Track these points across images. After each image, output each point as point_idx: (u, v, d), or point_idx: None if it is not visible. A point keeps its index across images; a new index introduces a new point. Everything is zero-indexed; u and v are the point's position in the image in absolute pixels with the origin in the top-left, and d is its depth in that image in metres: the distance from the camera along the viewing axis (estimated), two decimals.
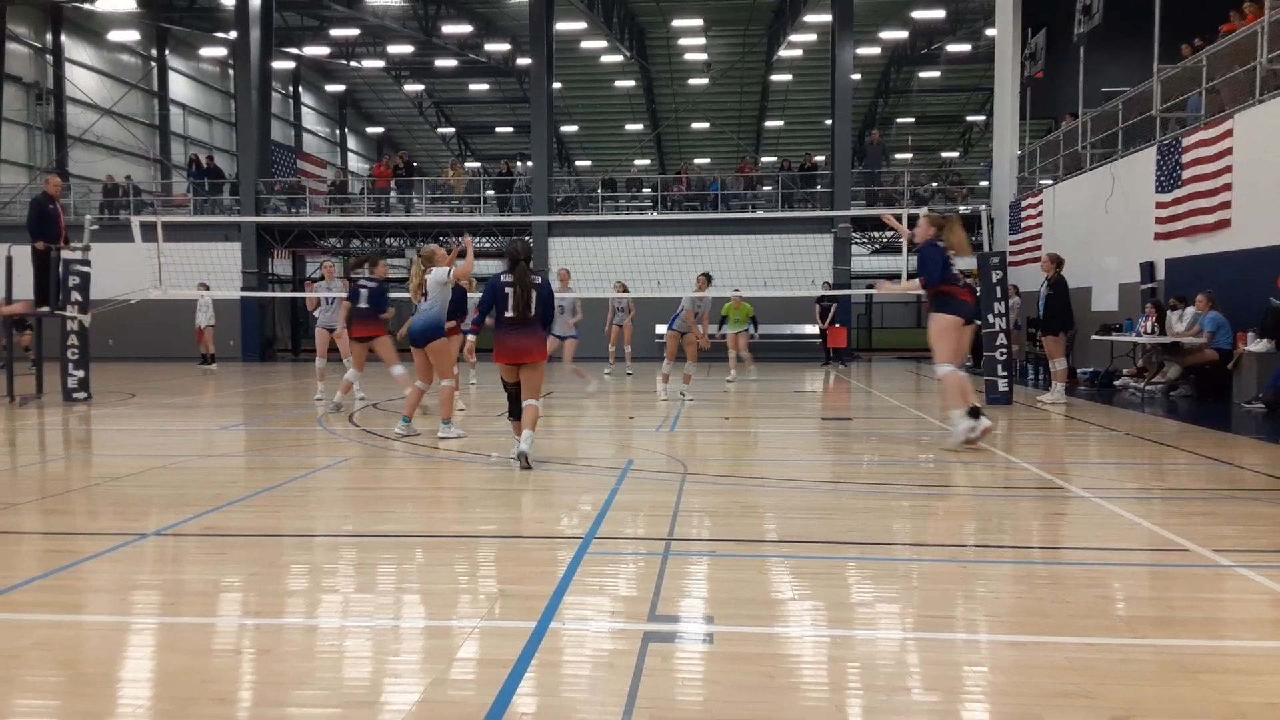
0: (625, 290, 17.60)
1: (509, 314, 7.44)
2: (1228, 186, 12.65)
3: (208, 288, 20.01)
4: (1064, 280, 12.37)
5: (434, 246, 9.68)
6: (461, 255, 9.47)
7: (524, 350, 7.45)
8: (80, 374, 12.98)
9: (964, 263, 9.27)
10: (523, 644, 3.49)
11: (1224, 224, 12.76)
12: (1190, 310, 12.85)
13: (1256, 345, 11.74)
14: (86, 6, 29.44)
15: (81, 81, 31.96)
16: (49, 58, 31.01)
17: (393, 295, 11.65)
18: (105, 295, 15.74)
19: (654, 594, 4.11)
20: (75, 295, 13.03)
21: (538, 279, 7.60)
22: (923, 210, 10.44)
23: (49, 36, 30.95)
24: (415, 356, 9.33)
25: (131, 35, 33.40)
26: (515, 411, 7.69)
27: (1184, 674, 3.22)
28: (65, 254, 13.15)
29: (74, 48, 31.82)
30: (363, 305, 10.97)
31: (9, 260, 12.98)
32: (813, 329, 22.47)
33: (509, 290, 7.46)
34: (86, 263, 13.29)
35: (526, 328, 7.46)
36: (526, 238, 8.15)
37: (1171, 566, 4.69)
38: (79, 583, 4.42)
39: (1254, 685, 3.16)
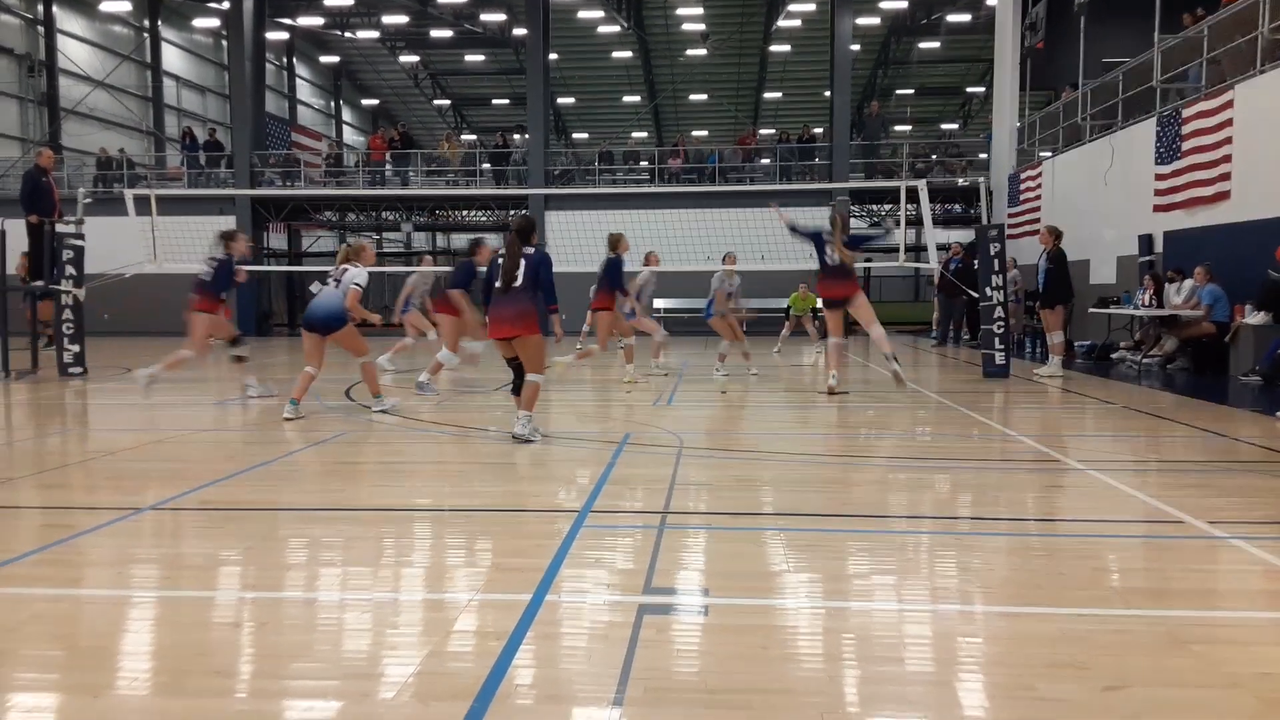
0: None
1: (497, 284, 7.36)
2: (1227, 158, 12.60)
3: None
4: (1063, 253, 12.31)
5: (365, 244, 9.51)
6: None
7: (509, 321, 7.29)
8: (76, 349, 12.96)
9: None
10: (519, 616, 3.50)
11: (1223, 195, 12.72)
12: (1188, 283, 12.85)
13: (1254, 318, 11.74)
14: None
15: (74, 53, 31.67)
16: (40, 29, 30.71)
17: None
18: (100, 269, 15.68)
19: (649, 566, 4.13)
20: (70, 269, 12.98)
21: (530, 249, 7.41)
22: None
23: (40, 7, 30.63)
24: (306, 340, 9.02)
25: (123, 6, 33.03)
26: (517, 385, 7.58)
27: (1177, 645, 3.24)
28: (59, 228, 13.09)
29: (66, 19, 31.50)
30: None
31: (2, 234, 12.91)
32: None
33: (500, 262, 7.43)
34: (80, 236, 13.23)
35: (512, 298, 7.28)
36: (526, 212, 7.97)
37: (1166, 538, 4.71)
38: (77, 556, 4.43)
39: (1247, 656, 3.18)
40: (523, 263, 7.32)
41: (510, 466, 6.63)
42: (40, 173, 13.08)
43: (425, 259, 15.57)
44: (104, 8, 32.51)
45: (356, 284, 8.92)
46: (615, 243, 11.45)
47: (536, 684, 2.98)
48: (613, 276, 11.34)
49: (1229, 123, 12.57)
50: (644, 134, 50.20)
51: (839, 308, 10.40)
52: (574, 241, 19.08)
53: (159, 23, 35.38)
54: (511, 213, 28.13)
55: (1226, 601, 3.81)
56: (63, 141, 30.35)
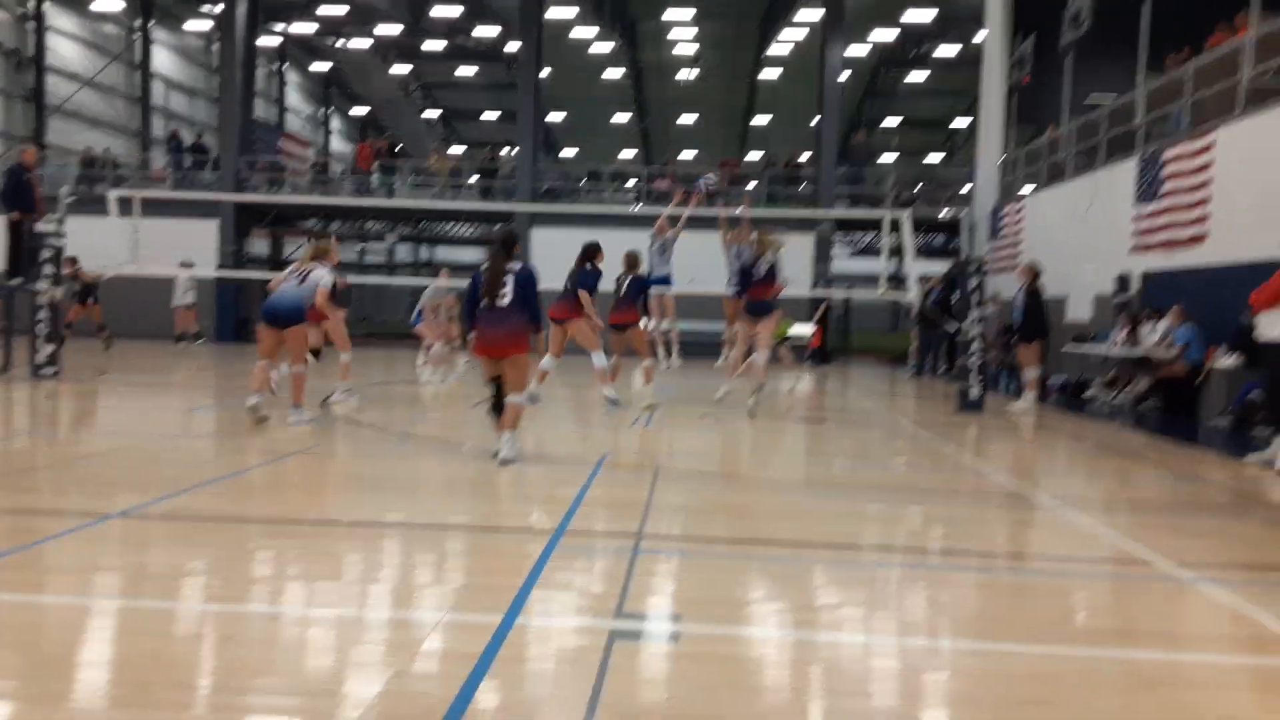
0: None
1: (482, 302, 7.15)
2: (1205, 200, 12.76)
3: (191, 265, 19.71)
4: (1039, 289, 12.47)
5: (333, 244, 9.54)
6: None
7: (496, 342, 7.06)
8: (50, 349, 12.82)
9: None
10: (488, 638, 3.47)
11: (1200, 238, 12.88)
12: (1163, 323, 12.97)
13: (1226, 361, 11.87)
14: None
15: (63, 50, 31.49)
16: (31, 24, 30.53)
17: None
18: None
19: (622, 591, 4.11)
20: (47, 268, 12.86)
21: (517, 265, 7.21)
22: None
23: (31, 2, 30.46)
24: (265, 335, 8.85)
25: (116, 5, 32.89)
26: (497, 407, 7.34)
27: (1144, 686, 3.26)
28: (39, 226, 12.98)
29: (56, 15, 31.31)
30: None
31: None
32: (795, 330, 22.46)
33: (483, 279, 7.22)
34: (61, 235, 13.11)
35: (499, 317, 7.06)
36: (510, 225, 7.68)
37: (1134, 578, 4.74)
38: (40, 562, 4.36)
39: (1212, 699, 3.20)
40: (509, 279, 7.10)
41: (485, 484, 6.60)
42: (23, 169, 12.98)
43: (443, 271, 16.12)
44: (95, 6, 32.36)
45: (326, 284, 8.94)
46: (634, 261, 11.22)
47: (504, 709, 2.96)
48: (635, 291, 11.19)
49: (1209, 165, 12.74)
50: (633, 153, 50.41)
51: (762, 315, 10.56)
52: (559, 260, 19.08)
53: (150, 23, 35.25)
54: (497, 226, 28.16)
55: (1193, 644, 3.83)
56: (48, 139, 30.13)
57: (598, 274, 10.47)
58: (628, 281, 11.00)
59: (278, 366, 9.43)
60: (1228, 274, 12.19)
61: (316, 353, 11.26)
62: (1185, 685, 3.32)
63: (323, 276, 8.99)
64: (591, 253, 10.51)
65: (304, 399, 9.18)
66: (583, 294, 10.06)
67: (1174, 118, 14.42)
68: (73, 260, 17.60)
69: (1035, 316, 12.38)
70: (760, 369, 10.65)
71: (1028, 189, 20.29)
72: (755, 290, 10.73)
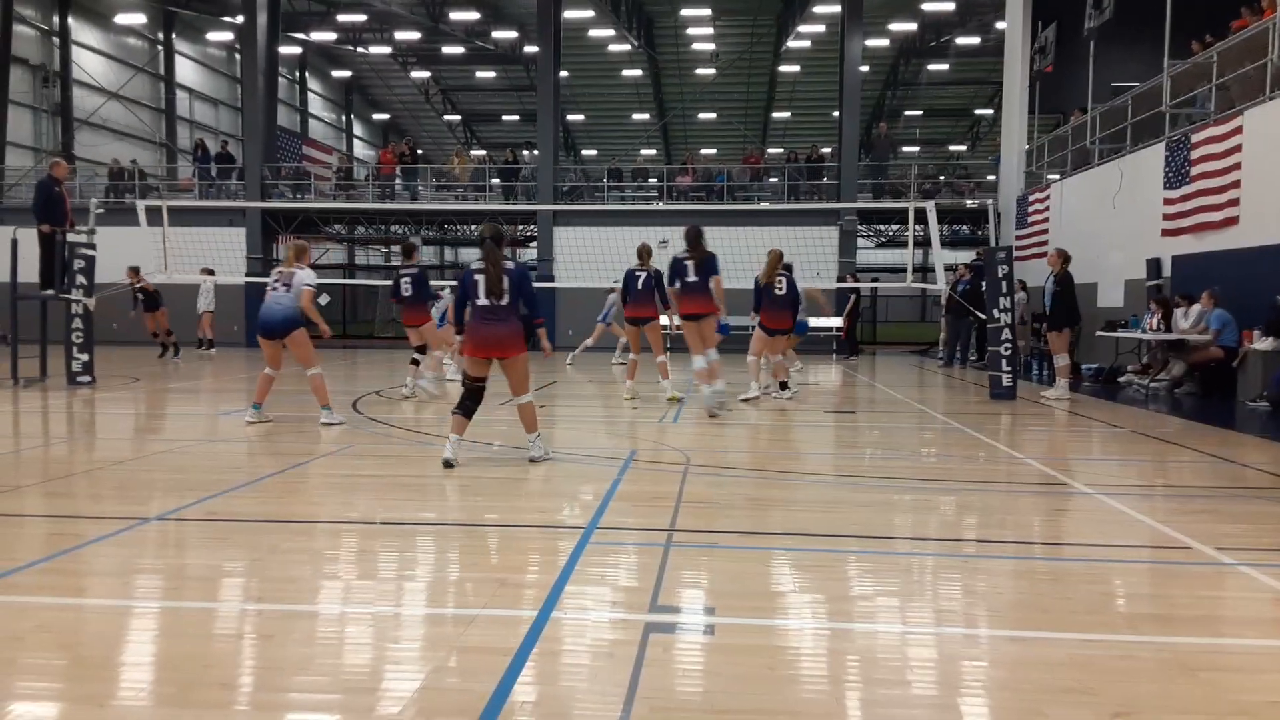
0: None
1: (481, 300, 6.89)
2: (1236, 184, 12.60)
3: (212, 273, 19.99)
4: (1070, 276, 12.26)
5: (304, 243, 9.56)
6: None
7: (497, 342, 6.87)
8: (84, 357, 12.99)
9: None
10: (524, 633, 3.49)
11: (1232, 221, 12.71)
12: (1196, 307, 12.82)
13: (1262, 343, 11.71)
14: None
15: (88, 64, 31.92)
16: (56, 40, 30.96)
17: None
18: (110, 279, 15.75)
19: (655, 585, 4.12)
20: (80, 279, 13.04)
21: (510, 263, 7.01)
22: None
23: (56, 18, 30.90)
24: (265, 347, 9.08)
25: (138, 18, 33.34)
26: (465, 408, 7.06)
27: (1184, 671, 3.22)
28: (71, 237, 13.16)
29: (81, 30, 31.76)
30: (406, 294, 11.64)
31: (14, 243, 12.99)
32: (818, 321, 22.40)
33: (479, 276, 6.91)
34: (92, 246, 13.29)
35: (502, 316, 6.86)
36: (498, 221, 7.36)
37: (1173, 564, 4.69)
38: (82, 566, 4.43)
39: (1254, 683, 3.16)
40: (505, 278, 6.88)
41: (515, 482, 6.62)
42: (54, 182, 13.15)
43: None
44: (119, 20, 32.81)
45: (309, 284, 8.94)
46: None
47: (541, 702, 2.97)
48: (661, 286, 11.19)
49: (1238, 148, 12.57)
50: (653, 151, 50.41)
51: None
52: (581, 258, 19.16)
53: (173, 35, 35.66)
54: (519, 229, 28.27)
55: (1235, 629, 3.78)
56: (75, 152, 30.56)
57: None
58: (644, 276, 11.08)
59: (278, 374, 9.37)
60: (1260, 256, 12.04)
61: (422, 350, 11.67)
62: (1227, 670, 3.28)
63: (305, 278, 8.99)
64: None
65: (329, 399, 9.27)
66: (716, 280, 10.33)
67: (1200, 101, 14.24)
68: (135, 270, 18.15)
69: (1066, 303, 12.15)
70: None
71: (1054, 176, 20.10)
72: (774, 315, 11.31)
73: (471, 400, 7.07)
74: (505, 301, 6.88)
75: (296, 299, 8.95)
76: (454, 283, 15.07)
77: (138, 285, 18.21)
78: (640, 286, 11.09)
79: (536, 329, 7.23)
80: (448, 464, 6.85)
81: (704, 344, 10.34)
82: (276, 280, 9.09)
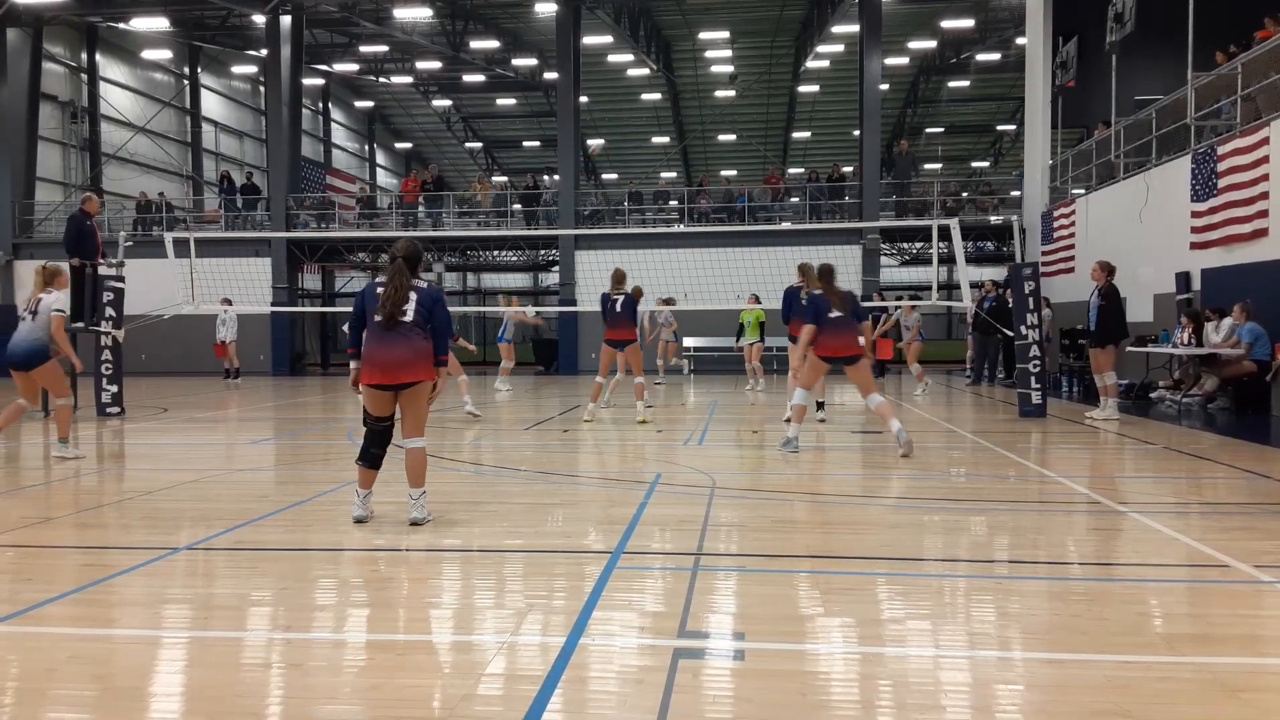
0: (670, 303, 18.72)
1: (376, 317, 5.82)
2: (1265, 195, 12.45)
3: (230, 303, 20.19)
4: (1115, 289, 11.57)
5: (61, 266, 9.18)
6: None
7: (395, 365, 5.75)
8: (114, 389, 13.14)
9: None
10: (552, 660, 3.47)
11: (1261, 233, 12.56)
12: (1227, 321, 12.65)
13: None
14: (121, 26, 29.92)
15: (116, 99, 32.50)
16: (84, 76, 31.54)
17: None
18: (139, 311, 15.95)
19: (684, 609, 4.08)
20: (109, 311, 13.20)
21: (423, 283, 5.97)
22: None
23: (84, 55, 31.50)
24: (19, 380, 8.63)
25: (164, 54, 33.93)
26: (370, 456, 6.02)
27: (1225, 693, 3.15)
28: (100, 270, 13.34)
29: (108, 66, 32.36)
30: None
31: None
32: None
33: (380, 290, 5.89)
34: (121, 279, 13.47)
35: (399, 335, 5.77)
36: (413, 240, 5.93)
37: (1211, 583, 4.60)
38: (112, 596, 4.45)
39: None
40: (412, 296, 5.87)
41: (540, 507, 6.61)
42: (85, 217, 13.35)
43: (514, 300, 17.37)
44: (146, 55, 33.39)
45: (57, 310, 8.59)
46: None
47: None
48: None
49: (1265, 159, 12.44)
50: (673, 174, 50.59)
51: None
52: (603, 282, 19.16)
53: (199, 70, 36.26)
54: (541, 253, 28.39)
55: (1276, 648, 3.70)
56: (104, 185, 31.06)
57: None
58: (621, 299, 11.39)
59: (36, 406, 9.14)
60: None
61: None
62: (1270, 691, 3.21)
63: (53, 303, 8.61)
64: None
65: (68, 433, 8.97)
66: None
67: (1224, 113, 14.12)
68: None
69: (1112, 318, 11.38)
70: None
71: (1079, 191, 19.98)
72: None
73: (377, 446, 6.03)
74: (409, 319, 5.83)
75: (45, 328, 8.54)
76: (477, 310, 15.30)
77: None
78: (618, 309, 11.46)
79: (438, 364, 5.98)
80: (359, 521, 5.99)
81: (866, 388, 9.14)
82: (24, 309, 8.64)
